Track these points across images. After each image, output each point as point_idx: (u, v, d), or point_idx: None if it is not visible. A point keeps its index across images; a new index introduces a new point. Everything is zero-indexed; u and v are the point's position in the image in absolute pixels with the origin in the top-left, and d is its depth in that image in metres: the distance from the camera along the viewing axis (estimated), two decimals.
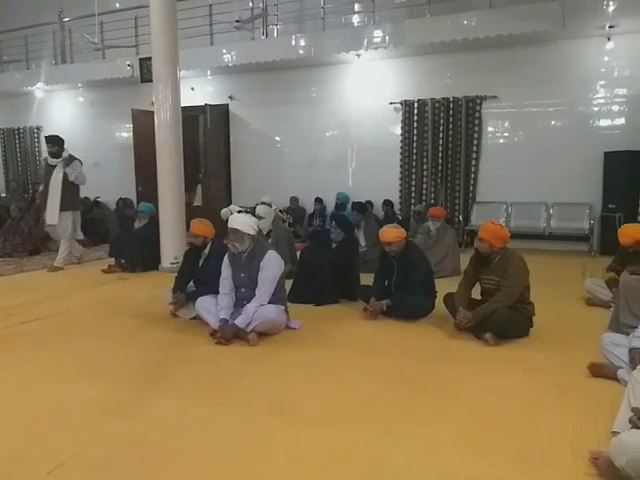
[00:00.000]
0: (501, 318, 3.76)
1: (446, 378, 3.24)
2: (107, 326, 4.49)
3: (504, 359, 3.55)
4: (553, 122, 8.47)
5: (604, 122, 8.15)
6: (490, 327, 3.81)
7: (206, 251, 4.56)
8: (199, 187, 10.72)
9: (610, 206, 7.73)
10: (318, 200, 9.74)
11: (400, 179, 9.38)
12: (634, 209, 6.91)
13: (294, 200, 10.01)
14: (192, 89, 10.61)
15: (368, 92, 9.53)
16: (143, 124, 9.44)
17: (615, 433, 2.21)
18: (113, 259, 7.04)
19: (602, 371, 3.13)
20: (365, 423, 2.65)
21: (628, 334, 3.13)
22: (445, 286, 4.62)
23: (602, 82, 8.08)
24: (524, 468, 2.21)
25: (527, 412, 2.75)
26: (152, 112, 7.06)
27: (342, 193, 9.49)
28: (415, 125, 9.17)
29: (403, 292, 4.45)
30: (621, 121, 8.03)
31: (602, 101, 8.14)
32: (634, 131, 7.43)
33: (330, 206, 9.71)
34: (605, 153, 7.85)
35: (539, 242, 8.18)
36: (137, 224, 7.11)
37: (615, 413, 2.40)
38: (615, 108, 8.07)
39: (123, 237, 7.19)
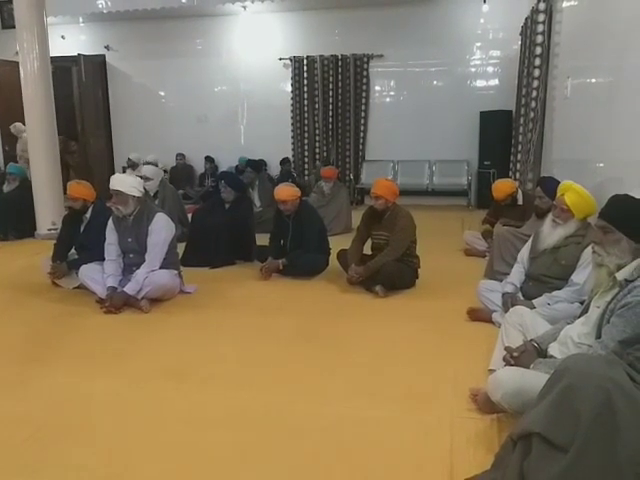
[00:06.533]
0: (389, 271, 3.95)
1: (339, 331, 3.35)
2: None
3: (392, 309, 3.75)
4: (435, 82, 8.82)
5: (480, 83, 8.64)
6: (380, 280, 3.98)
7: (87, 215, 4.25)
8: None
9: (485, 163, 8.30)
10: (209, 159, 9.39)
11: (292, 137, 9.33)
12: (506, 165, 7.45)
13: (180, 157, 9.59)
14: (62, 37, 9.64)
15: (256, 47, 9.26)
16: (7, 76, 8.50)
17: (491, 371, 2.43)
18: None
19: (479, 315, 3.41)
20: (261, 381, 2.68)
21: (501, 281, 3.44)
22: (338, 243, 4.73)
23: (478, 44, 8.51)
24: (410, 408, 2.38)
25: (413, 357, 2.94)
26: (17, 62, 6.36)
27: (243, 158, 8.97)
28: (305, 82, 9.11)
29: (298, 251, 4.50)
30: (495, 82, 8.56)
31: (478, 62, 8.60)
32: (507, 91, 7.93)
33: (222, 165, 9.44)
34: (481, 112, 8.35)
35: (423, 198, 8.60)
36: (6, 187, 6.50)
37: (491, 353, 2.64)
38: (490, 69, 8.57)
39: None
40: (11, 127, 8.37)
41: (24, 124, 6.36)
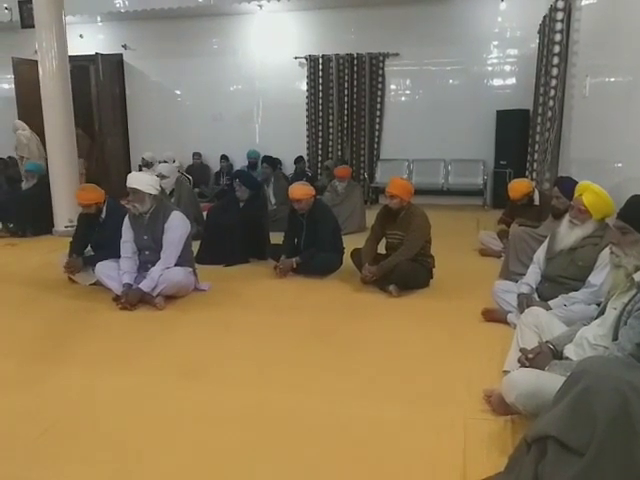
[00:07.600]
0: (403, 270, 3.93)
1: (353, 330, 3.34)
2: None
3: (406, 309, 3.73)
4: (450, 81, 8.75)
5: (497, 81, 8.54)
6: (393, 279, 3.97)
7: (103, 215, 4.28)
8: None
9: (501, 162, 8.21)
10: (224, 157, 9.43)
11: (307, 136, 9.32)
12: (523, 165, 7.37)
13: (197, 156, 9.65)
14: (80, 36, 9.74)
15: (272, 46, 9.27)
16: (26, 74, 8.59)
17: (506, 372, 2.41)
18: None
19: (494, 316, 3.38)
20: (275, 380, 2.69)
21: (517, 281, 3.40)
22: (352, 242, 4.72)
23: (495, 42, 8.42)
24: (424, 408, 2.37)
25: (428, 357, 2.92)
26: (36, 61, 6.45)
27: (253, 151, 9.08)
28: (320, 81, 9.08)
29: (312, 249, 4.50)
30: (512, 81, 8.46)
31: (495, 61, 8.51)
32: (524, 90, 7.84)
33: (237, 163, 9.48)
34: (497, 111, 8.26)
35: (438, 197, 8.54)
36: (25, 184, 6.60)
37: (506, 354, 2.62)
38: (507, 68, 8.48)
39: (10, 199, 6.62)
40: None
41: (42, 122, 6.42)
